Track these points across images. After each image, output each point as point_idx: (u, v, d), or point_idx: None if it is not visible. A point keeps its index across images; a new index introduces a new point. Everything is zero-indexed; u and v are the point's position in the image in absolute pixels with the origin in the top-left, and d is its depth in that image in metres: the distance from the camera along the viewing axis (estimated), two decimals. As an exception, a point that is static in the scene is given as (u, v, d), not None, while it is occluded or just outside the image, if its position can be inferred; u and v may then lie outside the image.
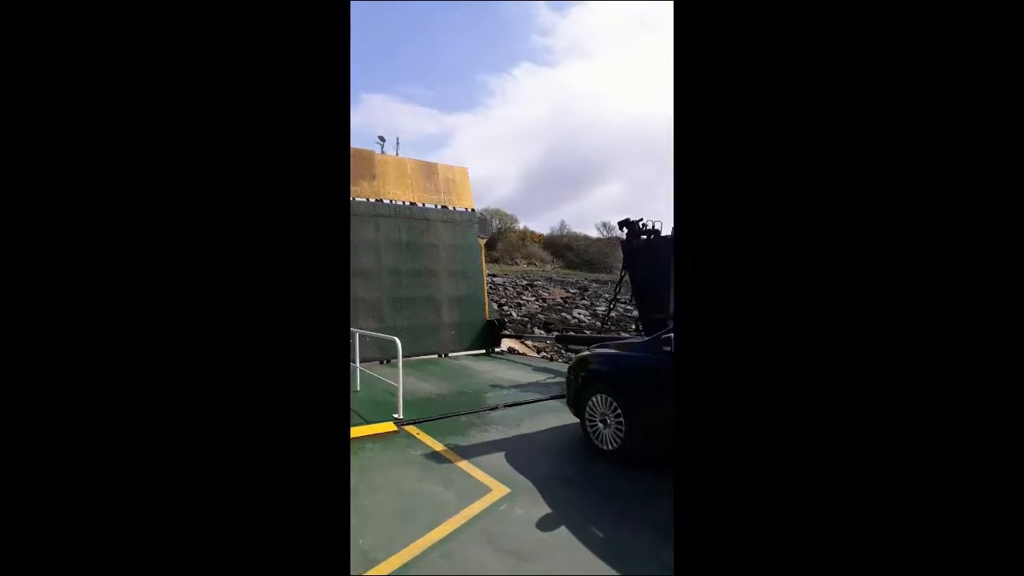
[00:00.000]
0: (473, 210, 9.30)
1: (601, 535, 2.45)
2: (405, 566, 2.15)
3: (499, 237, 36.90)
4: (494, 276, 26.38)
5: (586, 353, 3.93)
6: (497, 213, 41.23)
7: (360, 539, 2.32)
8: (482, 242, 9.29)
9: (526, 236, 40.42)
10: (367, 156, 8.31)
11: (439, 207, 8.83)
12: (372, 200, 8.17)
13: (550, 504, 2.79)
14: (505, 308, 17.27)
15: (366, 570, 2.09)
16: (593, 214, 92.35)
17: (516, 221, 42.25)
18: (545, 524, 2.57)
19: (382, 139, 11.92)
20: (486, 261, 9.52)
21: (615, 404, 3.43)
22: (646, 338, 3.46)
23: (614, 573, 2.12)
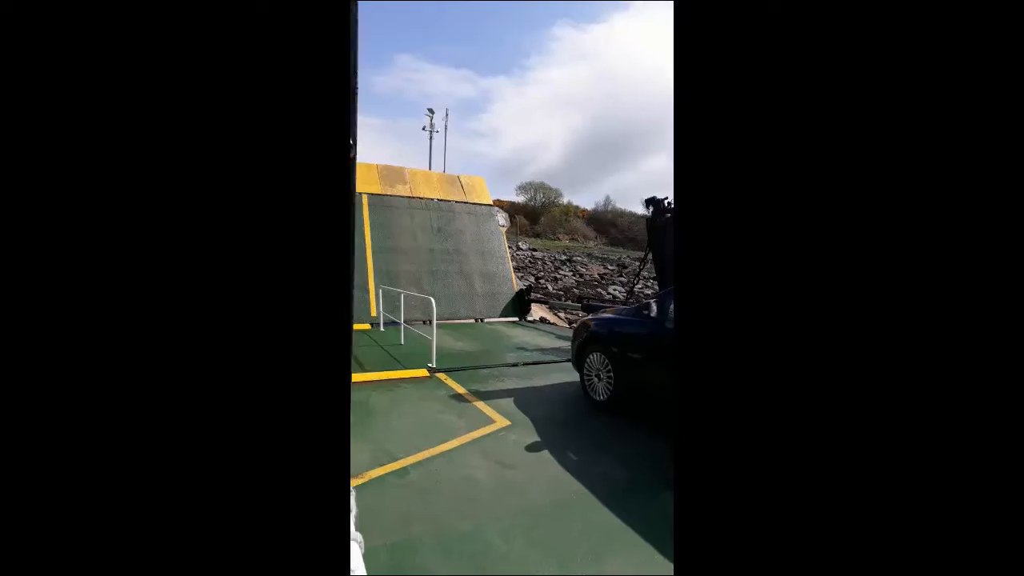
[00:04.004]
0: (491, 204, 11.65)
1: (575, 458, 3.06)
2: (419, 463, 2.88)
3: (542, 212, 37.05)
4: (534, 250, 26.81)
5: (588, 317, 4.49)
6: (541, 187, 41.26)
7: (388, 445, 3.10)
8: (503, 229, 11.54)
9: (569, 211, 40.24)
10: (398, 171, 10.91)
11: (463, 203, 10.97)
12: (406, 196, 10.37)
13: (540, 435, 3.43)
14: (542, 281, 17.82)
15: (391, 463, 2.84)
16: (640, 189, 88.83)
17: (560, 195, 42.01)
18: (532, 447, 3.22)
19: (431, 111, 13.23)
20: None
21: (607, 361, 3.99)
22: (635, 305, 3.95)
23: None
